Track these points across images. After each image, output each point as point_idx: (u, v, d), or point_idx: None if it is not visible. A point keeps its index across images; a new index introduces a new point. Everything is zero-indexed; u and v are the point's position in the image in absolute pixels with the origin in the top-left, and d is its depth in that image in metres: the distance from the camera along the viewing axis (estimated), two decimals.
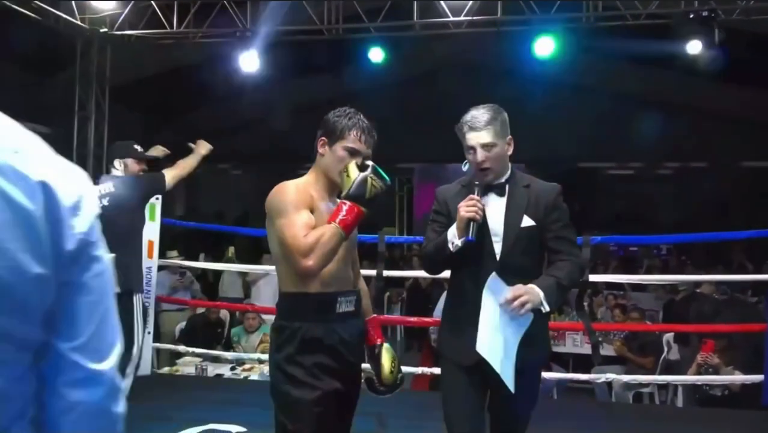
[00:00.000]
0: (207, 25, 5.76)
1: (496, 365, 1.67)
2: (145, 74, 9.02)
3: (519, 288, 1.68)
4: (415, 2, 5.20)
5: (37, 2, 5.11)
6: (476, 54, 9.34)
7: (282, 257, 1.66)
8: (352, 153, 1.68)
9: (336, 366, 1.64)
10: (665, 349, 4.77)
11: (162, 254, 5.27)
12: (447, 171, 9.15)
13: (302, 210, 1.60)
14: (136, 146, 3.16)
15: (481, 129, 1.76)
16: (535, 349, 1.77)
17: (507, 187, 1.83)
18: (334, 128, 1.69)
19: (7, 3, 4.96)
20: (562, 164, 11.30)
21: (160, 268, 4.58)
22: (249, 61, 5.63)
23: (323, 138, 1.72)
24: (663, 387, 4.67)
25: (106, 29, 5.73)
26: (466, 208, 1.71)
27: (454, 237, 1.74)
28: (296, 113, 11.98)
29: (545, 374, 3.46)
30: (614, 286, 6.42)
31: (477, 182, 1.78)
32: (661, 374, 4.44)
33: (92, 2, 5.53)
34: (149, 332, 3.51)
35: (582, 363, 5.21)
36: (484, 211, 1.76)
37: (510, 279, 1.73)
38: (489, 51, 9.08)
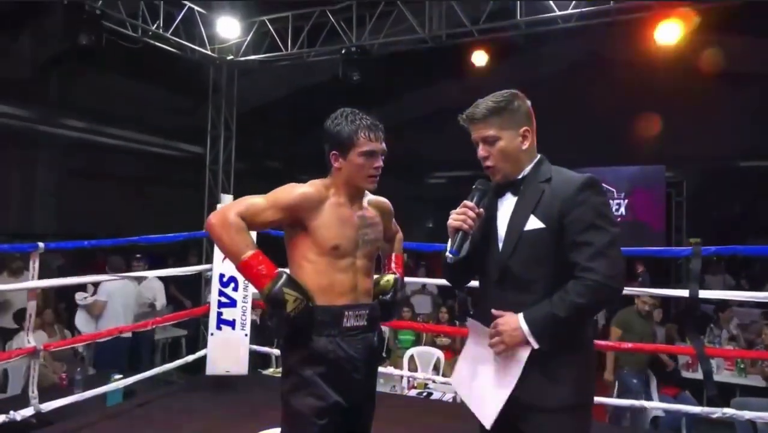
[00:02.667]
0: (319, 44, 6.09)
1: (470, 403, 1.52)
2: (276, 95, 9.80)
3: (492, 328, 1.45)
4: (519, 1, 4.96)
5: (174, 38, 5.80)
6: (595, 50, 8.67)
7: (292, 261, 1.67)
8: (370, 155, 1.64)
9: (340, 381, 1.59)
10: None
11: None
12: None
13: (278, 209, 1.59)
14: None
15: (479, 120, 1.50)
16: (550, 389, 1.42)
17: (522, 185, 1.53)
18: (339, 138, 1.63)
19: (151, 41, 5.72)
20: (719, 164, 10.01)
21: None
22: (361, 75, 5.86)
23: (334, 152, 1.65)
24: None
25: (232, 56, 6.32)
26: (454, 216, 1.49)
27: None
28: (424, 122, 12.19)
29: (674, 406, 3.02)
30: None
31: (478, 185, 1.55)
32: None
33: (220, 32, 6.12)
34: (246, 334, 3.76)
35: (720, 392, 4.51)
36: (490, 218, 1.53)
37: (512, 296, 1.47)
38: (607, 45, 8.38)
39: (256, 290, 1.65)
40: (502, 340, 1.42)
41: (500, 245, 1.51)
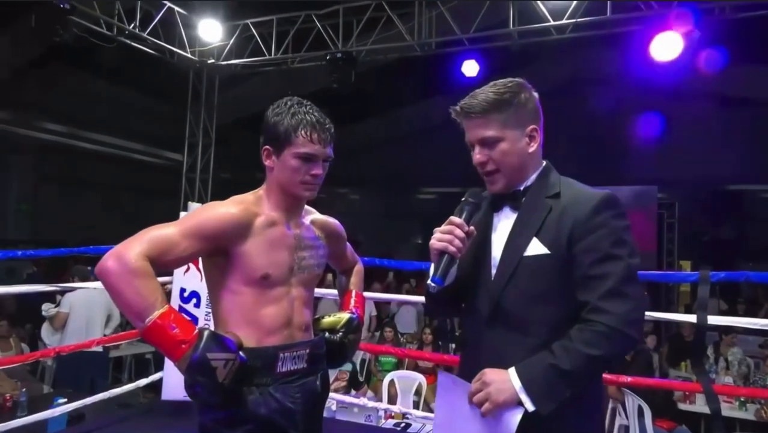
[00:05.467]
0: (304, 49, 5.85)
1: None
2: (264, 105, 9.54)
3: (477, 381, 1.13)
4: (511, 5, 4.75)
5: (152, 39, 5.54)
6: (589, 66, 8.53)
7: (211, 292, 1.35)
8: (307, 159, 1.32)
9: None
10: None
11: None
12: None
13: (197, 239, 1.24)
14: None
15: (477, 116, 1.21)
16: None
17: (524, 198, 1.25)
18: (275, 131, 1.32)
19: (127, 41, 5.45)
20: (708, 187, 9.90)
21: None
22: (351, 87, 5.61)
23: (267, 147, 1.35)
24: None
25: (213, 60, 6.08)
26: (438, 236, 1.21)
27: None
28: (413, 137, 12.02)
29: None
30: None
31: (470, 198, 1.25)
32: None
33: (201, 35, 5.88)
34: None
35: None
36: (483, 237, 1.25)
37: (506, 339, 1.18)
38: (602, 60, 8.25)
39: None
40: (488, 395, 1.11)
41: (493, 272, 1.23)
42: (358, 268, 1.71)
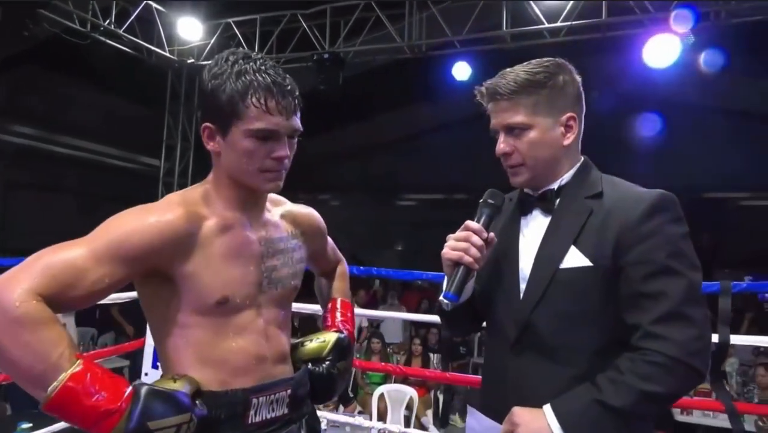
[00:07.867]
0: (289, 50, 5.65)
1: None
2: None
3: (506, 422, 0.96)
4: (504, 6, 4.64)
5: (128, 36, 5.29)
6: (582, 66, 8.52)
7: (155, 328, 0.99)
8: (267, 137, 0.93)
9: None
10: None
11: None
12: None
13: (119, 262, 0.87)
14: None
15: (503, 98, 1.02)
16: None
17: (559, 199, 1.05)
18: (217, 102, 0.93)
19: (102, 38, 5.18)
20: (684, 195, 9.95)
21: None
22: (337, 91, 5.43)
23: (209, 124, 0.96)
24: None
25: (192, 59, 5.83)
26: (452, 243, 1.01)
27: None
28: (397, 143, 11.88)
29: None
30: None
31: (489, 199, 1.05)
32: None
33: (180, 34, 5.64)
34: None
35: None
36: (508, 246, 1.07)
37: (537, 369, 1.00)
38: (593, 63, 8.23)
39: None
40: None
41: (522, 287, 1.03)
42: (342, 269, 1.34)
